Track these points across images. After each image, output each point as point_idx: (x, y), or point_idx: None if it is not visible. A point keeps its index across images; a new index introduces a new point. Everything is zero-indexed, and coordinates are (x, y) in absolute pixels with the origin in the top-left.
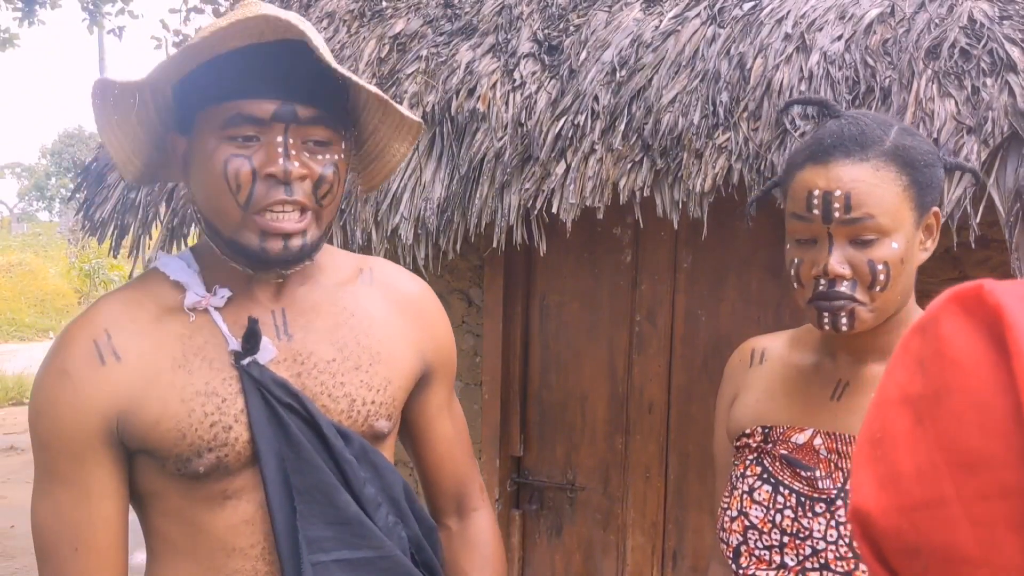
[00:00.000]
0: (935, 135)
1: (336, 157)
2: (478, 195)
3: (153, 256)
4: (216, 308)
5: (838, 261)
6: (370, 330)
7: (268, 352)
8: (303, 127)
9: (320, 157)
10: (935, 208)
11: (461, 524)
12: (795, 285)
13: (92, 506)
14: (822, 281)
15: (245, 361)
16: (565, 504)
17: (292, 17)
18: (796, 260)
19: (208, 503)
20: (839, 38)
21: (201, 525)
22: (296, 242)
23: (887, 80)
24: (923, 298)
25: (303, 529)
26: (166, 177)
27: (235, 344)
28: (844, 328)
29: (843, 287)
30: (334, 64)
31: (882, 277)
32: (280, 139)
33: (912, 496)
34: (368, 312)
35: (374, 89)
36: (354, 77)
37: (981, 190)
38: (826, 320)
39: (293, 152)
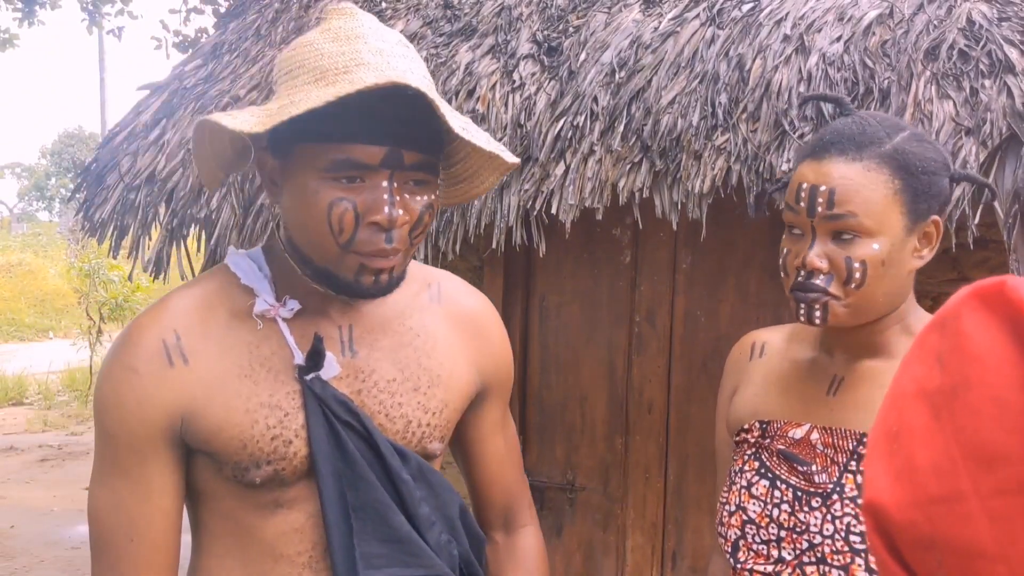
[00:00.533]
0: (934, 136)
1: (433, 197)
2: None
3: (219, 251)
4: (284, 319)
5: (816, 255)
6: (432, 352)
7: (332, 369)
8: (407, 173)
9: (419, 198)
10: (935, 217)
11: (508, 539)
12: (782, 274)
13: (151, 500)
14: (802, 272)
15: (309, 377)
16: (565, 504)
17: (423, 83)
18: (785, 250)
19: (260, 510)
20: (838, 39)
21: (251, 530)
22: (386, 277)
23: (886, 81)
24: (922, 299)
25: (358, 546)
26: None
27: (300, 358)
28: (817, 321)
29: (819, 280)
30: (455, 126)
31: (857, 275)
32: (385, 184)
33: (928, 490)
34: (432, 333)
35: (491, 148)
36: (475, 139)
37: (979, 191)
38: (802, 311)
39: (397, 198)
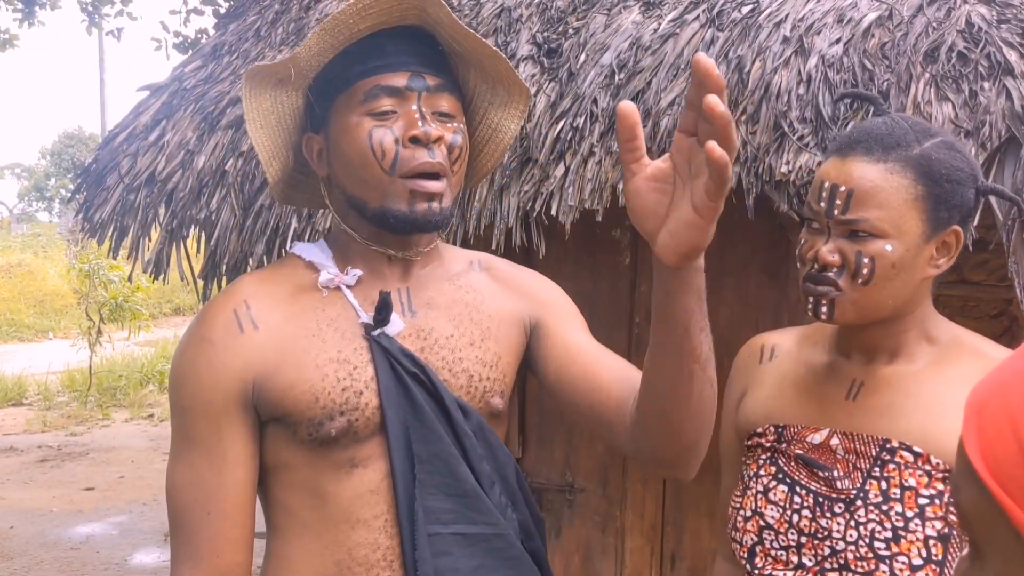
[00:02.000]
0: None
1: (461, 127)
2: (477, 197)
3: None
4: (348, 286)
5: (829, 250)
6: (481, 305)
7: (396, 325)
8: (432, 97)
9: (449, 126)
10: (956, 227)
11: None
12: (798, 264)
13: (226, 471)
14: (815, 265)
15: (375, 332)
16: (564, 506)
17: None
18: (803, 240)
19: (335, 472)
20: (837, 41)
21: (327, 496)
22: (437, 204)
23: (885, 83)
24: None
25: (422, 499)
26: (302, 199)
27: (366, 317)
28: (824, 317)
29: (831, 273)
30: (465, 28)
31: (865, 271)
32: (415, 107)
33: None
34: (479, 290)
35: (495, 50)
36: (478, 36)
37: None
38: (810, 305)
39: (428, 118)
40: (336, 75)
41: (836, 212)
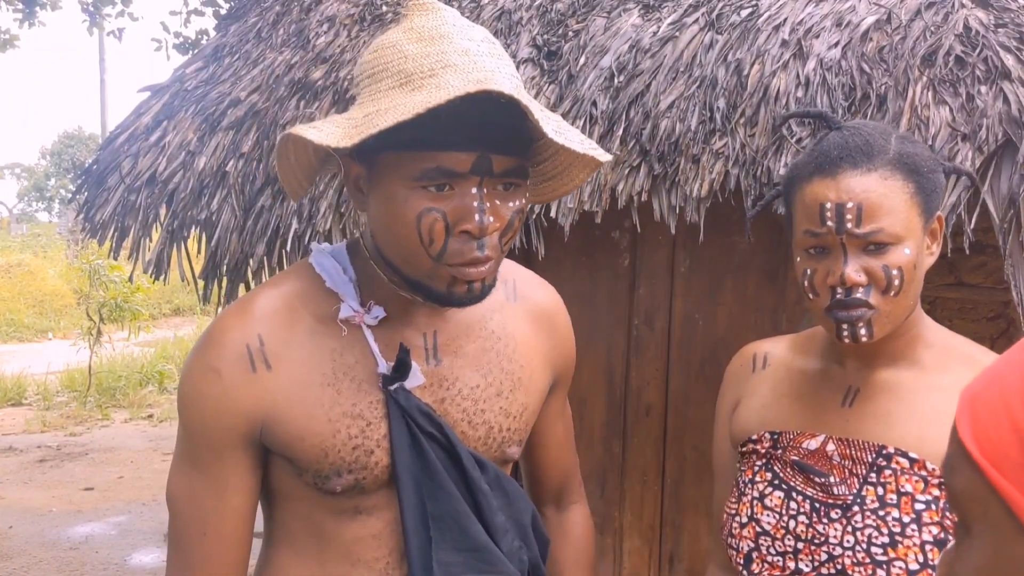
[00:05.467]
0: (930, 142)
1: (523, 201)
2: None
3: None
4: (368, 326)
5: (854, 270)
6: (513, 355)
7: (416, 379)
8: (497, 177)
9: (510, 204)
10: (939, 213)
11: (559, 516)
12: (810, 296)
13: (224, 498)
14: (839, 290)
15: (393, 387)
16: None
17: (512, 84)
18: (808, 271)
19: (338, 515)
20: (836, 45)
21: (328, 534)
22: (478, 286)
23: (883, 87)
24: (919, 302)
25: (435, 554)
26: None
27: (384, 367)
28: (864, 339)
29: (859, 293)
30: (548, 130)
31: (896, 282)
32: (475, 191)
33: None
34: (512, 335)
35: (584, 149)
36: (570, 143)
37: (975, 196)
38: (845, 332)
39: (487, 204)
40: (390, 130)
41: (850, 226)
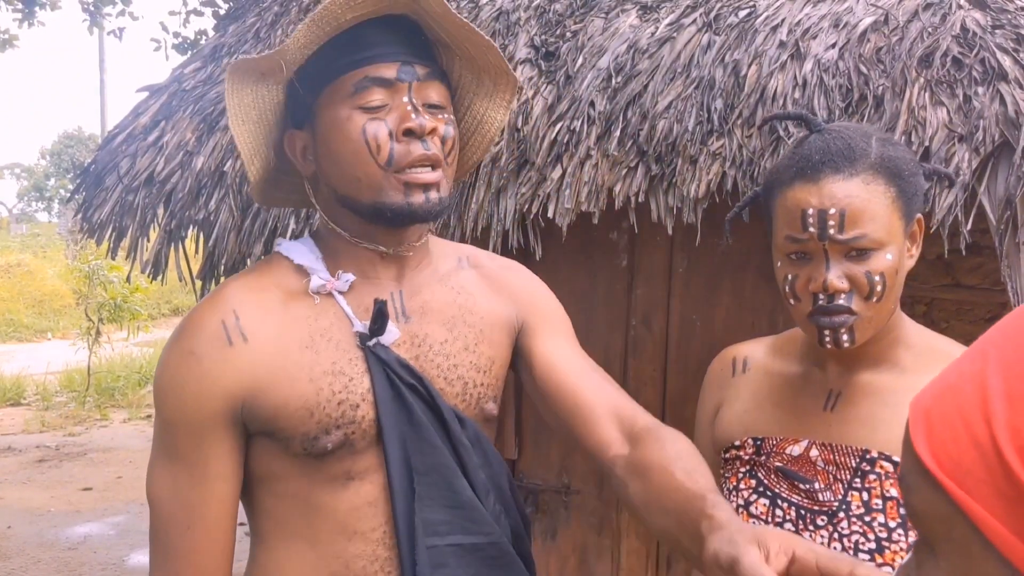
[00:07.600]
0: (927, 143)
1: (452, 118)
2: (474, 199)
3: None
4: (340, 292)
5: (837, 276)
6: (474, 308)
7: (392, 334)
8: (422, 87)
9: (440, 117)
10: (919, 215)
11: (637, 445)
12: (791, 301)
13: (208, 486)
14: (821, 296)
15: (371, 342)
16: (560, 507)
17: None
18: (790, 276)
19: (331, 484)
20: (833, 46)
21: (322, 508)
22: (434, 194)
23: (880, 88)
24: (916, 304)
25: (420, 511)
26: (281, 198)
27: (360, 326)
28: (846, 344)
29: (842, 300)
30: (459, 17)
31: (879, 288)
32: (406, 99)
33: None
34: (470, 291)
35: (486, 38)
36: (471, 26)
37: (972, 198)
38: (827, 337)
39: (421, 110)
40: (321, 68)
41: (832, 232)
